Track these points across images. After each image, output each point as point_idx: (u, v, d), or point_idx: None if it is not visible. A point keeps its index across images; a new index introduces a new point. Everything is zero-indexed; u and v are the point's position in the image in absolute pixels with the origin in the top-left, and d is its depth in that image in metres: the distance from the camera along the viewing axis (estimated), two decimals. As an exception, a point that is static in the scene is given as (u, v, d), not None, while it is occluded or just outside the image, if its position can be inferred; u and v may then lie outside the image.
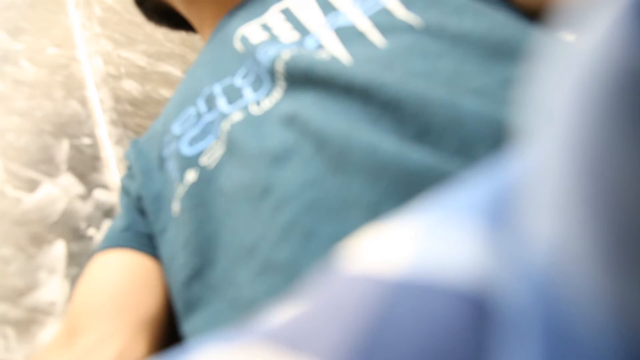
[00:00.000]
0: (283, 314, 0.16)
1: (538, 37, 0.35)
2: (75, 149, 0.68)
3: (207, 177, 0.41)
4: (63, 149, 0.67)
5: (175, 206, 0.43)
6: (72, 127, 0.70)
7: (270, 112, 0.40)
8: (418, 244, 0.14)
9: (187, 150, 0.45)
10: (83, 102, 0.74)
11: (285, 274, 0.31)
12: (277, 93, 0.41)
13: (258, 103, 0.41)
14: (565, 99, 0.10)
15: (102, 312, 0.41)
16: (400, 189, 0.30)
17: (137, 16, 0.84)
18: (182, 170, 0.44)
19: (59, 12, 0.89)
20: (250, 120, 0.40)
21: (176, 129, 0.48)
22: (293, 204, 0.33)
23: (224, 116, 0.43)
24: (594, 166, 0.09)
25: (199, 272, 0.38)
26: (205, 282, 0.37)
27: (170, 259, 0.42)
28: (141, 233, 0.47)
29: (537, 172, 0.11)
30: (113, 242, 0.46)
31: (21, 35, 0.80)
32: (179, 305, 0.39)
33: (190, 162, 0.43)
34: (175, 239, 0.42)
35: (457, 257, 0.13)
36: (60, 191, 0.62)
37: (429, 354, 0.12)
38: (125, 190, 0.51)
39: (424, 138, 0.31)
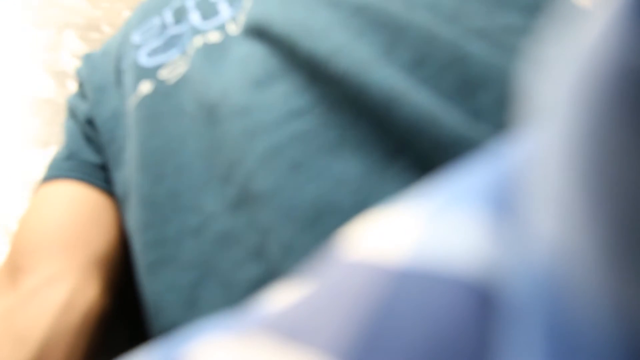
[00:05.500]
0: (283, 299, 0.16)
1: None
2: None
3: (163, 92, 0.39)
4: None
5: (129, 120, 0.40)
6: None
7: (244, 28, 0.37)
8: (421, 232, 0.14)
9: (145, 60, 0.42)
10: None
11: (267, 205, 0.29)
12: (247, 1, 0.38)
13: (234, 19, 0.39)
14: (567, 93, 0.10)
15: (48, 250, 0.37)
16: (386, 131, 0.29)
17: None
18: (137, 81, 0.40)
19: None
20: (228, 42, 0.38)
21: (136, 38, 0.44)
22: (276, 131, 0.31)
23: (197, 31, 0.40)
24: (595, 163, 0.09)
25: (156, 181, 0.35)
26: (155, 200, 0.35)
27: (127, 175, 0.38)
28: (86, 162, 0.42)
29: (540, 165, 0.11)
30: (54, 172, 0.42)
31: None
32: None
33: (147, 73, 0.40)
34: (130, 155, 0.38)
35: (462, 246, 0.13)
36: None
37: (431, 345, 0.12)
38: (72, 113, 0.47)
39: (418, 69, 0.30)
